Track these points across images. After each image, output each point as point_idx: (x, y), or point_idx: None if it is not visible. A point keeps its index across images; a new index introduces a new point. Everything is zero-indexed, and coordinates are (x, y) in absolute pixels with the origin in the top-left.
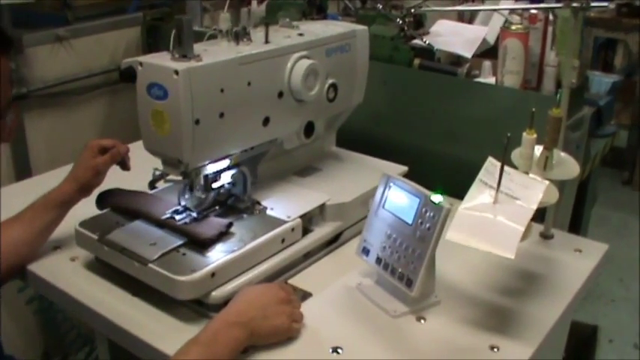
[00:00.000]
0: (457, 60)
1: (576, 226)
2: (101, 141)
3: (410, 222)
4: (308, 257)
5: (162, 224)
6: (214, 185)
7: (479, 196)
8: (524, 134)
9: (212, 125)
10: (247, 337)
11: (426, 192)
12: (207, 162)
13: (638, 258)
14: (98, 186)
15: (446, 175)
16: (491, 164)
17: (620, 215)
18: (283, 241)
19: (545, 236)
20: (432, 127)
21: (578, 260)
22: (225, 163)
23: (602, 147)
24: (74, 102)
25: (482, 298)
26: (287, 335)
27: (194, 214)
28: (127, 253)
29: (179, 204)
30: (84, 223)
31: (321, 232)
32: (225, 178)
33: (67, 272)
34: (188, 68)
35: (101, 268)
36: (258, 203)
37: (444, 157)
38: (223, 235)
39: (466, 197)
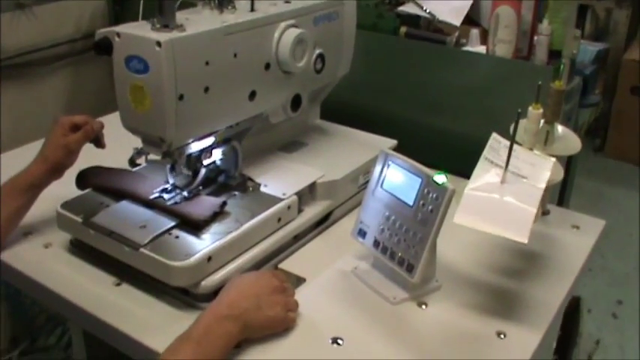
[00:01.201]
0: (439, 27)
1: (562, 198)
2: (72, 117)
3: (410, 203)
4: (298, 239)
5: (150, 204)
6: (205, 162)
7: (485, 175)
8: (530, 109)
9: (196, 100)
10: (241, 330)
11: (428, 171)
12: (191, 140)
13: (613, 226)
14: (70, 166)
15: (434, 147)
16: (496, 141)
17: (594, 184)
18: (279, 220)
19: (542, 212)
20: (419, 98)
21: (576, 237)
22: (210, 140)
23: (588, 117)
24: (38, 73)
25: (483, 280)
26: (283, 326)
27: (184, 193)
28: (115, 237)
29: (167, 182)
30: (66, 205)
31: (312, 211)
32: (216, 154)
33: (41, 261)
34: (171, 39)
35: (79, 254)
36: (251, 180)
37: (431, 129)
38: (217, 215)
39: (472, 177)
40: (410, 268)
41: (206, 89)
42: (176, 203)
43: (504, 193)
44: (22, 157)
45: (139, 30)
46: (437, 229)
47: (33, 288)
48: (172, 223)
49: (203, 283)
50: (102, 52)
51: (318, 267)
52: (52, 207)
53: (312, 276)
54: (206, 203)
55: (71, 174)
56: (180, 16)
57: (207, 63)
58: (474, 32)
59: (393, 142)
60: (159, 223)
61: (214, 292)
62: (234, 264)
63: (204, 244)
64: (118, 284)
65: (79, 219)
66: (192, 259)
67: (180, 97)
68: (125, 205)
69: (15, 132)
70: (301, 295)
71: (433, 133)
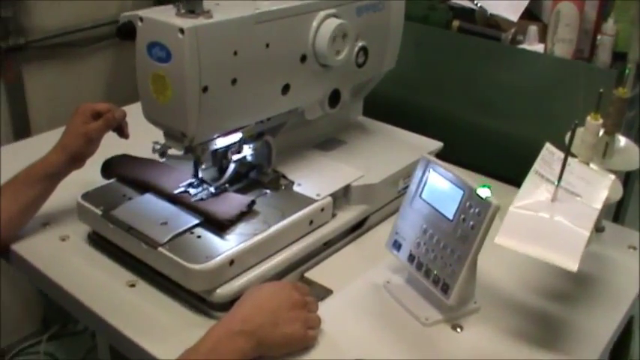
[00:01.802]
0: (496, 23)
1: (618, 213)
2: (94, 105)
3: (450, 217)
4: (328, 246)
5: (174, 199)
6: (235, 157)
7: (534, 191)
8: (589, 118)
9: (222, 93)
10: (254, 347)
11: (472, 183)
12: (215, 135)
13: None
14: (91, 156)
15: (483, 150)
16: (549, 152)
17: None
18: (311, 222)
19: (596, 228)
20: (470, 97)
21: (633, 259)
22: (237, 136)
23: None
24: (77, 54)
25: (527, 303)
26: (301, 345)
27: (211, 189)
28: (134, 233)
29: (195, 176)
30: (87, 196)
31: (346, 216)
32: (245, 151)
33: (55, 254)
34: (195, 26)
35: (95, 249)
36: (284, 177)
37: (481, 129)
38: (244, 214)
39: (519, 192)
40: (445, 289)
41: (233, 81)
42: (202, 199)
43: (554, 212)
44: (56, 140)
45: (162, 15)
46: (477, 248)
47: (43, 282)
48: (195, 222)
49: (219, 291)
50: (125, 37)
51: (348, 278)
52: (74, 196)
53: (340, 287)
54: (233, 202)
55: (97, 162)
56: (210, 1)
57: (235, 53)
58: (532, 29)
59: (439, 144)
60: (181, 220)
61: (231, 302)
62: (256, 271)
63: (227, 245)
64: (132, 285)
65: (98, 211)
66: (213, 262)
67: (205, 89)
68: (148, 198)
69: (52, 113)
70: (326, 308)
71: (483, 135)
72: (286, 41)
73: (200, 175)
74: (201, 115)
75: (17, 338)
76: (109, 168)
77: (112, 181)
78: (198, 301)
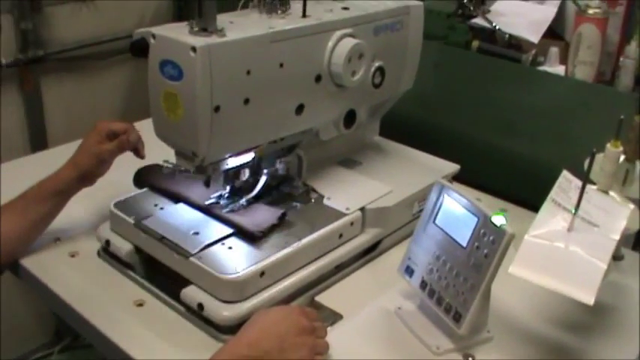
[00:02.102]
0: (516, 43)
1: (638, 240)
2: (112, 124)
3: (464, 244)
4: (340, 269)
5: (206, 210)
6: (265, 171)
7: (550, 219)
8: (609, 146)
9: (234, 113)
10: None
11: (486, 211)
12: (227, 155)
13: None
14: (101, 176)
15: (501, 172)
16: (566, 180)
17: None
18: (341, 236)
19: (615, 257)
20: (489, 118)
21: None
22: (249, 156)
23: None
24: (96, 67)
25: (541, 333)
26: None
27: (242, 201)
28: (166, 243)
29: (226, 187)
30: (119, 204)
31: (359, 239)
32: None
33: (63, 271)
34: (208, 45)
35: (104, 266)
36: (314, 190)
37: (500, 152)
38: (275, 227)
39: (535, 221)
40: (457, 317)
41: (246, 101)
42: (233, 211)
43: (571, 242)
44: (72, 153)
45: (174, 32)
46: (490, 278)
47: (50, 298)
48: (226, 232)
49: (226, 313)
50: (138, 54)
51: (359, 302)
52: (88, 211)
53: (351, 312)
54: (265, 214)
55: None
56: (224, 19)
57: (248, 72)
58: (554, 51)
59: (455, 167)
60: (213, 231)
61: (238, 325)
62: (265, 294)
63: (258, 257)
64: (140, 305)
65: (131, 220)
66: (243, 273)
67: (216, 109)
68: (180, 208)
69: (70, 126)
70: (334, 334)
71: (501, 157)
72: (301, 61)
73: (229, 186)
74: (213, 134)
75: (29, 349)
76: (141, 177)
77: (144, 190)
78: (206, 324)
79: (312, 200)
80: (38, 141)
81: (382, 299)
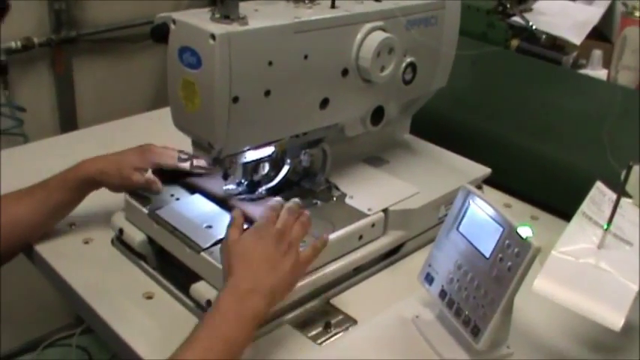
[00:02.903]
0: (559, 44)
1: None
2: (160, 157)
3: (487, 255)
4: (358, 272)
5: (222, 201)
6: (288, 161)
7: (579, 235)
8: None
9: (254, 105)
10: (268, 303)
11: (512, 221)
12: (245, 148)
13: None
14: (123, 191)
15: (534, 177)
16: (599, 192)
17: None
18: (361, 238)
19: None
20: (524, 121)
21: None
22: (269, 150)
23: None
24: (128, 50)
25: (566, 352)
26: (306, 267)
27: (261, 190)
28: (178, 235)
29: (245, 178)
30: (135, 193)
31: (380, 242)
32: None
33: (75, 258)
34: (228, 33)
35: (117, 255)
36: (337, 188)
37: (534, 156)
38: None
39: (563, 235)
40: (476, 332)
41: (267, 93)
42: (252, 200)
43: (600, 260)
44: (103, 133)
45: (195, 18)
46: (512, 292)
47: (60, 285)
48: None
49: None
50: (158, 40)
51: (375, 308)
52: (105, 198)
53: (366, 318)
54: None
55: None
56: (249, 7)
57: (270, 63)
58: (597, 53)
59: (487, 170)
60: (227, 224)
61: None
62: (305, 281)
63: None
64: (149, 297)
65: (145, 210)
66: None
67: (235, 100)
68: (196, 199)
69: (100, 107)
70: (347, 339)
71: (535, 162)
72: (327, 53)
73: (248, 178)
74: (231, 126)
75: (51, 329)
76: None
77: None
78: None
79: (334, 198)
80: (68, 122)
81: (400, 306)
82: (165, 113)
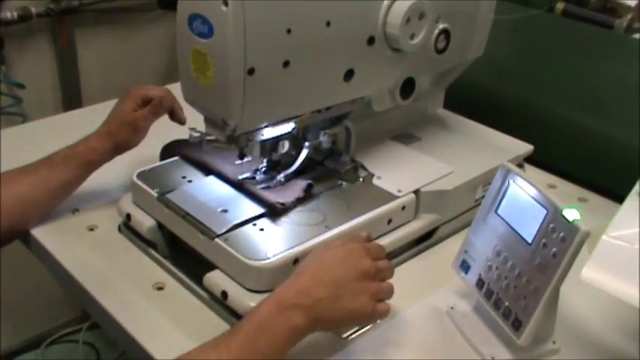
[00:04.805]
0: (611, 6)
1: None
2: (147, 89)
3: (529, 240)
4: (389, 258)
5: (239, 186)
6: (307, 143)
7: (634, 218)
8: None
9: (271, 77)
10: (309, 325)
11: (558, 202)
12: (262, 125)
13: None
14: (136, 145)
15: (583, 155)
16: None
17: None
18: (390, 222)
19: None
20: (572, 93)
21: None
22: (289, 126)
23: None
24: (137, 21)
25: (617, 349)
26: (368, 320)
27: (280, 177)
28: (190, 221)
29: (263, 160)
30: (143, 175)
31: (411, 226)
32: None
33: (78, 246)
34: None
35: (124, 243)
36: (363, 168)
37: (582, 132)
38: (302, 201)
39: (615, 218)
40: (517, 325)
41: (286, 63)
42: (268, 187)
43: None
44: (107, 113)
45: None
46: (558, 281)
47: (61, 276)
48: (259, 212)
49: (253, 304)
50: (165, 7)
51: (406, 298)
52: (111, 180)
53: (396, 309)
54: (293, 188)
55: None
56: None
57: (289, 31)
58: None
59: (529, 147)
60: (244, 209)
61: None
62: None
63: (293, 241)
64: (160, 288)
65: (154, 193)
66: (274, 260)
67: (250, 72)
68: (210, 182)
69: (106, 83)
70: (376, 332)
71: (584, 138)
72: (351, 20)
73: (267, 160)
74: (246, 100)
75: (56, 324)
76: (168, 151)
77: (172, 160)
78: (230, 314)
79: (361, 179)
80: (72, 99)
81: (433, 296)
82: (176, 88)
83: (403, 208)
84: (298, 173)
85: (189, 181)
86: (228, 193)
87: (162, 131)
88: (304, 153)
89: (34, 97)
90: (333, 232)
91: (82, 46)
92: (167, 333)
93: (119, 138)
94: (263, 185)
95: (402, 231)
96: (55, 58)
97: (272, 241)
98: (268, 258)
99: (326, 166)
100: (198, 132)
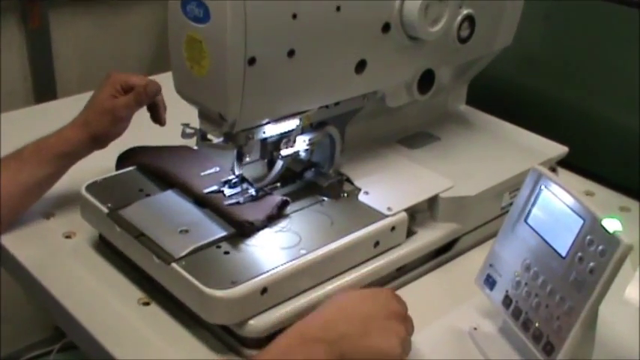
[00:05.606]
0: None
1: None
2: (128, 76)
3: (563, 254)
4: (403, 272)
5: (204, 201)
6: (284, 152)
7: None
8: None
9: (274, 67)
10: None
11: (596, 211)
12: (264, 121)
13: None
14: (117, 137)
15: (623, 157)
16: None
17: None
18: (377, 245)
19: None
20: (611, 88)
21: None
22: (293, 123)
23: None
24: (119, 4)
25: None
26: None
27: (252, 191)
28: (144, 242)
29: (233, 172)
30: (93, 186)
31: (428, 236)
32: (301, 143)
33: (54, 255)
34: None
35: (106, 254)
36: (349, 181)
37: (623, 131)
38: (274, 219)
39: None
40: (549, 349)
41: (290, 53)
42: (238, 203)
43: None
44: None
45: None
46: (597, 300)
47: (32, 290)
48: (224, 233)
49: (252, 322)
50: None
51: (424, 317)
52: (90, 179)
53: (416, 329)
54: (266, 204)
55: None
56: None
57: (294, 16)
58: None
59: (563, 149)
60: (207, 229)
61: (267, 338)
62: (305, 298)
63: (261, 267)
64: (146, 303)
65: (104, 208)
66: (239, 289)
67: (251, 61)
68: (170, 196)
69: (83, 72)
70: None
71: (625, 139)
72: (364, 5)
73: (238, 171)
74: (246, 93)
75: (25, 345)
76: (126, 159)
77: (130, 169)
78: (226, 333)
79: (345, 194)
80: (45, 89)
81: (454, 315)
82: (165, 79)
83: (393, 228)
84: (274, 187)
85: (147, 195)
86: (191, 210)
87: (163, 130)
88: (279, 164)
89: (2, 86)
90: (308, 257)
91: (57, 30)
92: (156, 355)
93: (96, 128)
94: (232, 201)
95: (419, 241)
96: (25, 43)
97: (238, 267)
98: (233, 286)
99: (306, 178)
100: (192, 128)
